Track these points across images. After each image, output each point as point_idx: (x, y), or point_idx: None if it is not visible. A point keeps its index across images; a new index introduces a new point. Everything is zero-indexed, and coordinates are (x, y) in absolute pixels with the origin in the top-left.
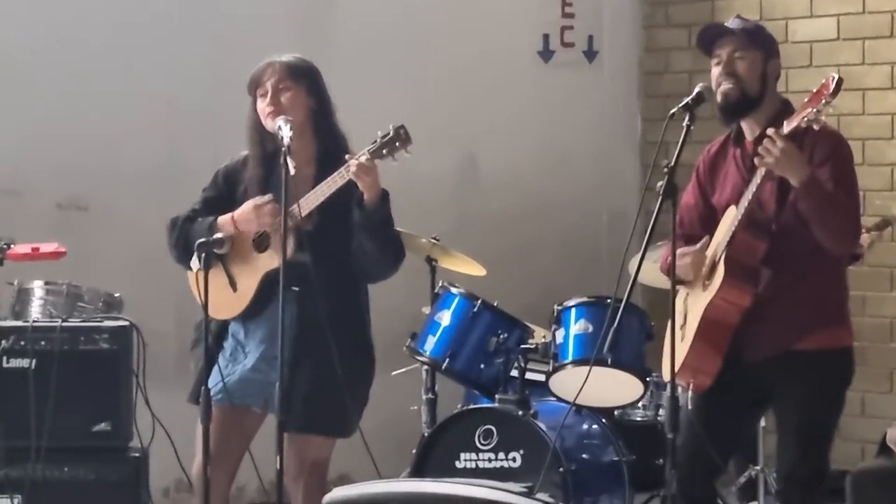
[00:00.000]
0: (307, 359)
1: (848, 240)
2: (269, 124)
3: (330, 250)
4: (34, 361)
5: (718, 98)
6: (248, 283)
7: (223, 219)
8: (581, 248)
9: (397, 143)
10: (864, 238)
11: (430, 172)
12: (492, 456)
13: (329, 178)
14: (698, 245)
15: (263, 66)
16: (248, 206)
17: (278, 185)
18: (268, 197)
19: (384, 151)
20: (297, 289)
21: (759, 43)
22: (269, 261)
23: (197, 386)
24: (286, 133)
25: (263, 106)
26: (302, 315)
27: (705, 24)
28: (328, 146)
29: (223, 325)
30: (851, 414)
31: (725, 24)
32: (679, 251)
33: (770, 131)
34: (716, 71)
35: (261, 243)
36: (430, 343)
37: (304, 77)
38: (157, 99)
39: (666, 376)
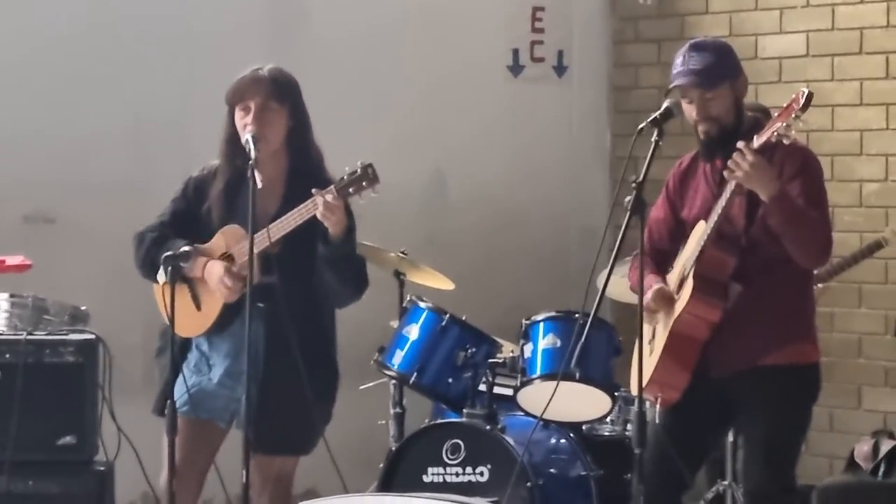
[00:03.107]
0: (276, 378)
1: (819, 254)
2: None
3: (296, 271)
4: None
5: (700, 136)
6: (213, 303)
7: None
8: (550, 262)
9: (364, 183)
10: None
11: (398, 186)
12: (459, 470)
13: (297, 209)
14: (662, 288)
15: (248, 79)
16: (219, 270)
17: (246, 202)
18: (238, 277)
19: (350, 190)
20: (262, 305)
21: (723, 76)
22: None
23: (161, 397)
24: (252, 148)
25: (245, 122)
26: (269, 332)
27: (673, 46)
28: (300, 164)
29: (188, 337)
30: (819, 429)
31: (682, 62)
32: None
33: (740, 145)
34: (689, 109)
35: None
36: (398, 357)
37: (288, 96)
38: (126, 111)
39: (634, 391)
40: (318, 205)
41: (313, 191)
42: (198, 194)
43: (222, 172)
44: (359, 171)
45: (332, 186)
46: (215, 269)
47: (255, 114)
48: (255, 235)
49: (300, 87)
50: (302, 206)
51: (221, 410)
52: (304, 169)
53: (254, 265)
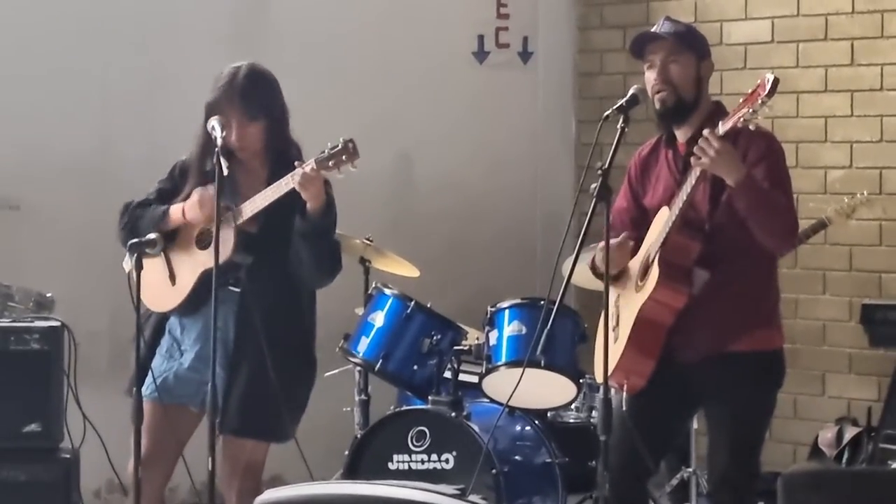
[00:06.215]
0: (244, 361)
1: (786, 237)
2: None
3: (273, 254)
4: None
5: (656, 105)
6: (187, 277)
7: (175, 208)
8: (515, 249)
9: (344, 157)
10: None
11: (364, 173)
12: (424, 457)
13: (274, 184)
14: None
15: (222, 91)
16: (194, 195)
17: (227, 189)
18: (211, 188)
19: (330, 163)
20: (237, 290)
21: (691, 45)
22: (209, 258)
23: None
24: (219, 133)
25: (226, 134)
26: (240, 317)
27: (638, 32)
28: (280, 154)
29: (161, 321)
30: (783, 416)
31: (656, 28)
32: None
33: (706, 132)
34: (649, 75)
35: (202, 240)
36: (364, 344)
37: (262, 110)
38: (91, 96)
39: (599, 378)
40: (296, 177)
41: (295, 163)
42: (183, 178)
43: (199, 171)
44: (340, 145)
45: (312, 159)
46: (193, 199)
47: (238, 129)
48: (224, 214)
49: (277, 82)
50: (276, 182)
51: (193, 395)
52: (283, 159)
53: (227, 242)
